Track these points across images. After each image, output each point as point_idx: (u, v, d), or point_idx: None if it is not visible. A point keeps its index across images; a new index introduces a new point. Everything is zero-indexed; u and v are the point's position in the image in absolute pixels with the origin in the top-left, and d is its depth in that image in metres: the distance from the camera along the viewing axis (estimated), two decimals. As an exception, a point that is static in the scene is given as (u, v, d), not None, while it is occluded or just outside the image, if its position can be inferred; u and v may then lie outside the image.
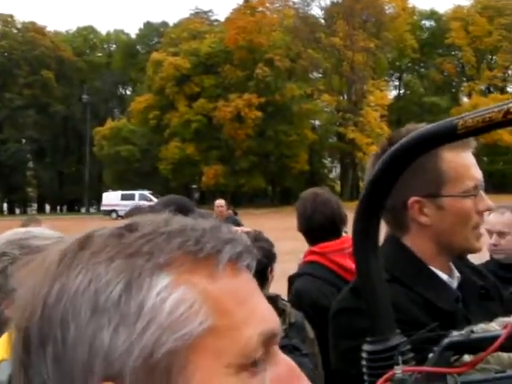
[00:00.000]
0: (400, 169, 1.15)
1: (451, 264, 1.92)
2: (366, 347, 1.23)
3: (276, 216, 40.19)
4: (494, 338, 1.05)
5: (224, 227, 0.79)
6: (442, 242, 1.84)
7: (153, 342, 0.69)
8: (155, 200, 47.84)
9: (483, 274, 2.03)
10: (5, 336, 1.64)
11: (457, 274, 1.92)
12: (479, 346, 1.06)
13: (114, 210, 46.61)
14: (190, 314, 0.71)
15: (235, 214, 12.98)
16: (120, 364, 0.69)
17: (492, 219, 4.12)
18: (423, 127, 1.12)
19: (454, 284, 1.89)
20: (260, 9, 63.72)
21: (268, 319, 0.77)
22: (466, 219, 1.82)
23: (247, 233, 3.28)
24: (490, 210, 1.88)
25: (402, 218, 1.85)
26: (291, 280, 3.72)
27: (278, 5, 65.38)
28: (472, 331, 1.10)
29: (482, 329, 1.18)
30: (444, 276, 1.87)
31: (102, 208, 50.98)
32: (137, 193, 48.92)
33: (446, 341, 1.07)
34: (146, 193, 48.33)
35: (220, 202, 12.22)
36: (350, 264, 3.28)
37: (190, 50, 60.96)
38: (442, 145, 1.16)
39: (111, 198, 50.17)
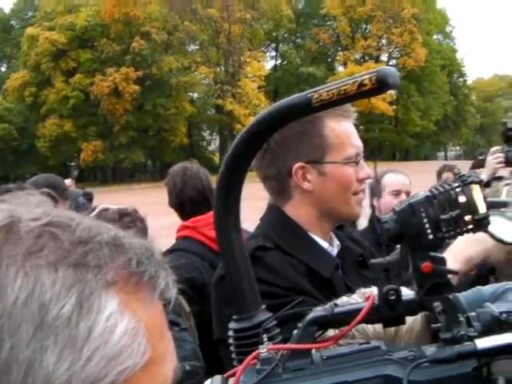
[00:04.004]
0: (257, 144, 1.15)
1: (332, 233, 1.97)
2: (232, 325, 1.22)
3: (157, 190, 39.83)
4: (357, 311, 1.06)
5: (153, 247, 0.72)
6: (323, 208, 1.88)
7: (96, 373, 0.61)
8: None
9: (361, 243, 2.10)
10: None
11: (337, 242, 1.97)
12: (343, 320, 1.07)
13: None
14: (135, 345, 0.64)
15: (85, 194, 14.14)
16: None
17: (400, 180, 4.34)
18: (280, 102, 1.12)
19: (334, 252, 1.94)
20: (135, -20, 62.77)
21: (175, 354, 0.73)
22: (347, 185, 1.87)
23: (107, 209, 3.14)
24: (369, 177, 1.94)
25: (286, 185, 1.89)
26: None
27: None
28: (336, 305, 1.10)
29: (345, 302, 1.19)
30: (324, 244, 1.91)
31: None
32: None
33: (310, 316, 1.07)
34: None
35: (68, 181, 12.97)
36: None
37: (66, 24, 59.46)
38: (298, 118, 1.17)
39: None
